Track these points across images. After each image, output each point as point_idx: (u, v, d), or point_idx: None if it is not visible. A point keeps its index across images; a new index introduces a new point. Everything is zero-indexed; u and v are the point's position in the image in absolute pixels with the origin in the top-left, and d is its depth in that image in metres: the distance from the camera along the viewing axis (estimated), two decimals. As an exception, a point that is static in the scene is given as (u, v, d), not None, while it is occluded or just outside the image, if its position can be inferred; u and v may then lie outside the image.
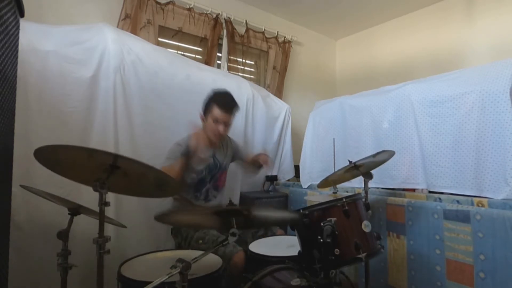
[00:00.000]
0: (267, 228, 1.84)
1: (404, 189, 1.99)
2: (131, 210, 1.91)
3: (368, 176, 1.61)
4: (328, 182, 1.76)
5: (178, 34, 2.78)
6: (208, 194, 1.88)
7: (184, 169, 1.61)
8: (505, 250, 1.39)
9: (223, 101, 1.74)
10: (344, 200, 1.25)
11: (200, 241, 1.61)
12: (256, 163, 2.03)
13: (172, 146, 1.78)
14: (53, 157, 1.08)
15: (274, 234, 1.88)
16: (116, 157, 1.00)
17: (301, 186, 2.59)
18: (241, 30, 3.16)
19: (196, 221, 1.29)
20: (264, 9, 3.40)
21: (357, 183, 2.20)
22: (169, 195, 1.46)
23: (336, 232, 1.19)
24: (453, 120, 1.75)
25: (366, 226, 1.25)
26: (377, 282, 1.88)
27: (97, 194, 1.04)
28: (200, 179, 1.82)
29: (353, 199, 1.28)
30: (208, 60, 2.89)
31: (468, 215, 1.51)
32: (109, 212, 1.75)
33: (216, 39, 2.93)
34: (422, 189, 1.92)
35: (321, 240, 1.17)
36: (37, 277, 1.61)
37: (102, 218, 1.04)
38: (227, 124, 1.79)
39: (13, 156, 1.41)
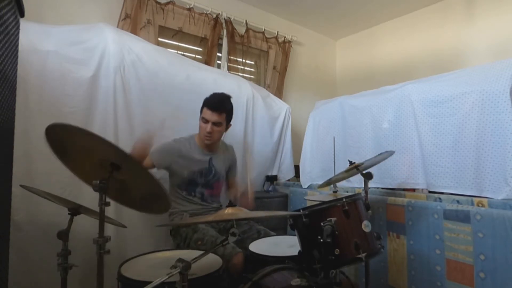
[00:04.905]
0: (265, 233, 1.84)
1: (404, 189, 1.99)
2: (131, 210, 1.88)
3: (368, 176, 1.61)
4: (329, 182, 1.76)
5: (178, 34, 2.77)
6: (203, 196, 1.88)
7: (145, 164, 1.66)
8: (505, 250, 1.39)
9: (211, 101, 1.79)
10: (344, 200, 1.25)
11: (199, 242, 1.61)
12: (231, 193, 1.99)
13: (169, 140, 1.84)
14: (61, 139, 1.06)
15: None
16: (124, 156, 0.98)
17: (301, 186, 2.59)
18: (241, 30, 3.16)
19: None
20: (264, 9, 3.40)
21: (357, 183, 2.20)
22: (154, 212, 1.26)
23: (336, 232, 1.19)
24: (453, 120, 1.75)
25: (366, 226, 1.25)
26: (377, 282, 1.88)
27: (97, 194, 1.04)
28: (191, 180, 1.83)
29: (353, 199, 1.28)
30: (208, 60, 2.88)
31: (468, 215, 1.51)
32: (109, 212, 1.75)
33: (216, 39, 2.93)
34: (422, 189, 1.92)
35: (321, 240, 1.17)
36: (37, 277, 1.61)
37: (102, 218, 1.04)
38: (217, 124, 1.79)
39: (13, 156, 1.41)
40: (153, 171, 1.95)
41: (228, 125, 1.90)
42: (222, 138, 1.98)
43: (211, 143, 1.84)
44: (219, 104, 1.79)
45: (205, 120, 1.78)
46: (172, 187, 1.86)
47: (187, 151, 1.82)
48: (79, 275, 1.64)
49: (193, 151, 1.84)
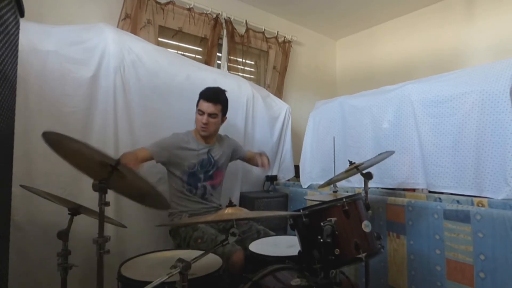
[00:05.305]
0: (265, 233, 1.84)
1: (404, 189, 1.99)
2: (131, 210, 1.91)
3: (368, 176, 1.61)
4: (330, 182, 1.76)
5: (178, 34, 2.77)
6: (206, 192, 1.89)
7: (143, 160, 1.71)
8: (505, 250, 1.39)
9: (206, 93, 1.86)
10: (344, 200, 1.25)
11: (199, 241, 1.62)
12: (253, 162, 2.17)
13: (170, 135, 1.88)
14: (59, 143, 1.08)
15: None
16: (117, 162, 1.01)
17: (301, 186, 2.59)
18: (241, 30, 3.15)
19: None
20: (264, 9, 3.40)
21: (357, 183, 2.20)
22: (158, 207, 1.31)
23: (336, 232, 1.19)
24: (453, 120, 1.75)
25: (366, 226, 1.25)
26: (377, 282, 1.88)
27: (97, 194, 1.04)
28: (192, 173, 1.84)
29: (353, 199, 1.28)
30: (208, 60, 2.88)
31: (468, 215, 1.51)
32: (109, 212, 1.75)
33: (216, 39, 2.93)
34: (422, 189, 1.92)
35: (321, 240, 1.17)
36: (37, 277, 1.61)
37: (102, 218, 1.04)
38: (213, 115, 1.84)
39: (13, 156, 1.41)
40: (154, 172, 1.95)
41: (223, 117, 1.94)
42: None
43: (207, 134, 1.88)
44: (215, 96, 1.86)
45: (201, 112, 1.84)
46: (172, 187, 1.86)
47: (186, 143, 1.86)
48: (79, 275, 1.64)
49: (191, 143, 1.88)
